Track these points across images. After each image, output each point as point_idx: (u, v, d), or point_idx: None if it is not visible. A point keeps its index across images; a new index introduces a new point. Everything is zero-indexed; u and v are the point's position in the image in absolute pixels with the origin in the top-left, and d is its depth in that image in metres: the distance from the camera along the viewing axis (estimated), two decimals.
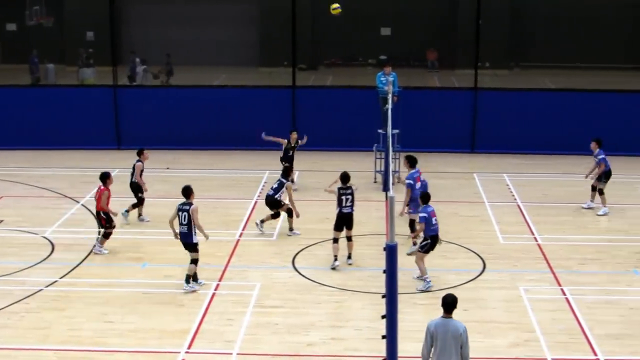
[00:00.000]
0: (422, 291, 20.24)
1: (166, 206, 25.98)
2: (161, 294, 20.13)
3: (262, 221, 24.28)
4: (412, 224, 22.71)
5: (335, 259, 21.47)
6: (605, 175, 26.08)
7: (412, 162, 23.35)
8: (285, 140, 28.10)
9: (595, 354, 17.31)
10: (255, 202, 27.27)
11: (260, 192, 28.26)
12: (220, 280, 20.94)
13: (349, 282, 20.79)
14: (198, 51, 50.99)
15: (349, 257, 21.82)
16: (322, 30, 51.78)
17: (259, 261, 22.24)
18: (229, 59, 50.71)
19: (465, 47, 44.23)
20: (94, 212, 23.48)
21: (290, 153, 28.04)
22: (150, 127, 33.92)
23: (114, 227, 22.87)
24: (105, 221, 22.65)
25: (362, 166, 30.00)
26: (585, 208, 26.42)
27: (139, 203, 25.25)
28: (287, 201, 24.04)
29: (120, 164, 31.42)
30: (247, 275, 21.31)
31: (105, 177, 23.00)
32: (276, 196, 23.83)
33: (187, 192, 20.45)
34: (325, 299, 19.93)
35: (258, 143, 32.58)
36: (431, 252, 20.62)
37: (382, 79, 29.17)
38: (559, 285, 20.77)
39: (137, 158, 25.36)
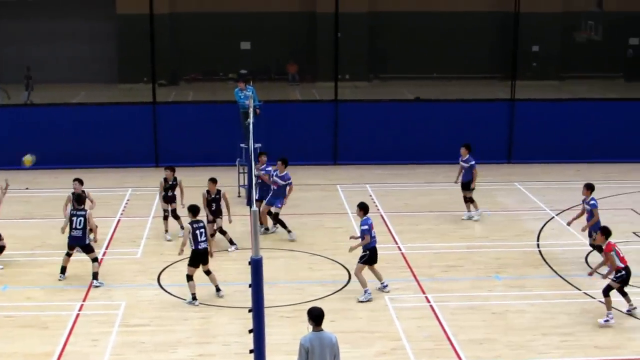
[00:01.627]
0: (362, 302, 20.35)
1: (27, 228, 25.50)
2: (24, 317, 19.69)
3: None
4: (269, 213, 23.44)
5: (194, 298, 20.35)
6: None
7: (285, 163, 24.60)
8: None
9: (460, 359, 17.64)
10: (119, 220, 26.94)
11: (123, 210, 27.95)
12: (84, 300, 20.60)
13: (215, 297, 20.69)
14: (56, 69, 50.11)
15: (218, 289, 20.77)
16: (181, 45, 51.52)
17: (123, 280, 21.97)
18: (87, 76, 49.98)
19: (325, 60, 44.59)
20: None
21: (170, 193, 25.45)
22: (7, 147, 33.15)
23: None
24: None
25: (225, 181, 29.86)
26: (465, 219, 26.76)
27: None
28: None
29: None
30: (111, 295, 21.01)
31: None
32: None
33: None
34: (192, 315, 19.80)
35: (119, 161, 32.35)
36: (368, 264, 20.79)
37: (240, 94, 29.15)
38: (423, 292, 21.07)
39: None
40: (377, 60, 52.51)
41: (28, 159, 24.50)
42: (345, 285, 21.49)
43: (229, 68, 52.12)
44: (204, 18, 51.19)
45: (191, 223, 20.40)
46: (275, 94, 40.47)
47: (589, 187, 23.03)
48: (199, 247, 20.30)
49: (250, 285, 12.99)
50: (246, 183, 28.49)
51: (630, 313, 19.60)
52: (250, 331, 13.25)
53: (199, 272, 20.43)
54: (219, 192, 24.17)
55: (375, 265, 20.90)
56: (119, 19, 50.77)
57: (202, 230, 20.37)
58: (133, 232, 25.79)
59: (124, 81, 49.59)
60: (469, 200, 26.75)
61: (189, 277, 20.32)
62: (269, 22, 51.26)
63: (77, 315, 19.76)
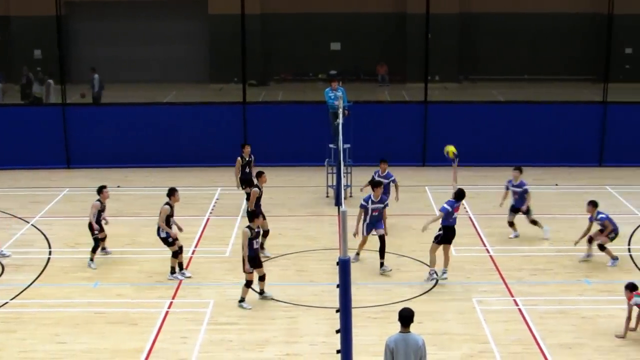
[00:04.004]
0: (427, 281, 21.13)
1: (119, 225, 25.86)
2: (114, 313, 19.97)
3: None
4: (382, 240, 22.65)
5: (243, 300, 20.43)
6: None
7: (374, 185, 23.22)
8: (239, 158, 27.26)
9: None
10: (208, 219, 27.18)
11: (212, 209, 28.20)
12: (173, 298, 20.83)
13: (302, 297, 20.77)
14: (148, 68, 50.83)
15: (261, 292, 20.70)
16: (271, 45, 51.83)
17: (212, 278, 22.15)
18: (179, 75, 50.59)
19: (415, 60, 44.47)
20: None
21: (247, 169, 27.19)
22: (100, 145, 33.71)
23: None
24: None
25: (313, 181, 30.08)
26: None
27: (96, 246, 23.18)
28: None
29: (70, 182, 31.32)
30: (200, 293, 21.21)
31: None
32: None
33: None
34: (280, 314, 19.89)
35: (209, 160, 32.70)
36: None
37: (330, 94, 29.21)
38: (512, 296, 20.90)
39: (97, 197, 23.36)
40: (467, 62, 52.22)
41: (451, 149, 24.37)
42: (433, 287, 21.38)
43: (319, 68, 52.27)
44: (294, 18, 51.45)
45: (249, 229, 20.12)
46: (364, 94, 40.48)
47: (592, 204, 23.23)
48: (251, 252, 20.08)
49: (338, 286, 13.00)
50: (334, 183, 28.51)
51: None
52: (337, 331, 13.25)
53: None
54: (250, 155, 26.29)
55: (452, 250, 21.36)
56: (210, 19, 51.25)
57: (259, 238, 20.35)
58: (222, 231, 25.98)
59: (215, 81, 50.03)
60: (532, 223, 25.26)
61: (248, 283, 20.32)
62: (359, 23, 51.32)
63: (167, 312, 19.98)
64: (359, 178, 28.06)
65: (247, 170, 26.98)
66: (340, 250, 12.97)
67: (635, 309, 18.55)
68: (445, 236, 21.24)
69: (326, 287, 21.05)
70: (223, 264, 23.08)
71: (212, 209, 28.32)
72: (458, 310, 20.02)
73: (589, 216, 23.11)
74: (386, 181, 25.10)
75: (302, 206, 28.54)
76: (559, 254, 23.87)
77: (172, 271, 22.05)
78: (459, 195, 21.55)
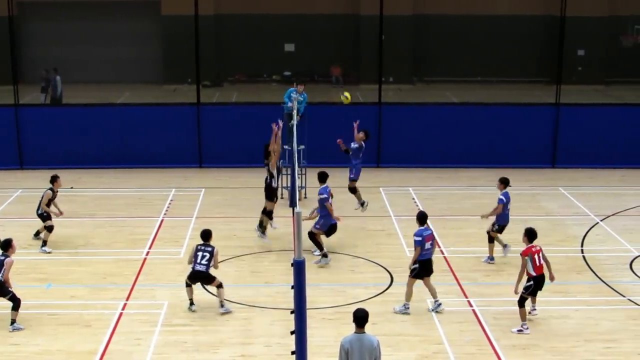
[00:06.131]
0: (396, 313, 19.94)
1: (72, 226, 25.72)
2: (67, 315, 19.82)
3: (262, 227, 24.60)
4: (311, 236, 22.91)
5: (192, 303, 20.12)
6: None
7: (322, 178, 23.54)
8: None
9: None
10: (162, 220, 27.08)
11: (166, 210, 28.09)
12: (127, 299, 20.72)
13: (257, 298, 20.74)
14: (101, 69, 50.58)
15: (221, 305, 20.11)
16: (225, 46, 51.76)
17: (166, 279, 22.07)
18: (132, 76, 50.37)
19: (369, 62, 44.59)
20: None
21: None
22: (53, 146, 33.45)
23: None
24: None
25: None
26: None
27: (49, 231, 24.08)
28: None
29: (23, 183, 31.07)
30: (154, 294, 21.12)
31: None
32: None
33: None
34: (234, 315, 19.84)
35: (163, 161, 32.57)
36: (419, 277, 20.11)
37: (292, 95, 28.93)
38: (466, 297, 21.00)
39: (50, 186, 24.33)
40: (421, 63, 52.45)
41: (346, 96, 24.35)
42: (387, 289, 21.45)
43: (273, 69, 52.30)
44: (248, 19, 51.47)
45: (197, 245, 20.07)
46: (318, 96, 40.49)
47: (503, 182, 23.43)
48: (196, 268, 19.82)
49: (292, 287, 13.00)
50: (289, 185, 28.50)
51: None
52: (292, 332, 13.26)
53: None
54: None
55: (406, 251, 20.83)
56: (163, 20, 51.07)
57: (207, 254, 19.83)
58: (176, 232, 25.89)
59: (168, 82, 49.90)
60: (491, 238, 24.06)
61: (187, 284, 20.11)
62: (313, 24, 51.43)
63: (121, 314, 19.88)
64: (314, 179, 28.03)
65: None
66: (295, 252, 12.97)
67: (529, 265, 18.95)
68: (423, 269, 20.05)
69: (281, 289, 21.04)
70: (177, 265, 22.96)
71: (167, 210, 28.21)
72: (412, 311, 20.03)
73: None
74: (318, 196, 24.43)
75: (257, 207, 28.44)
76: (513, 255, 23.95)
77: (43, 244, 23.96)
78: (421, 218, 20.38)
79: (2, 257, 19.18)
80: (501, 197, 23.29)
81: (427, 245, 19.92)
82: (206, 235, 20.27)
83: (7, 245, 19.44)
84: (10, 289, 19.15)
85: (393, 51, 44.42)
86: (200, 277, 19.91)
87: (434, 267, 20.45)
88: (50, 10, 50.83)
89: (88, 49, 50.81)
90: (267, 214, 24.49)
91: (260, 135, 32.71)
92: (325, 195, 23.05)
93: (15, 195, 29.87)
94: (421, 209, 28.04)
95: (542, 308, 20.13)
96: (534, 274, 18.99)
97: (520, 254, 19.23)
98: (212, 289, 20.36)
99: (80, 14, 50.81)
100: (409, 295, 20.10)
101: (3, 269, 19.02)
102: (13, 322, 19.07)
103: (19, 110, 33.99)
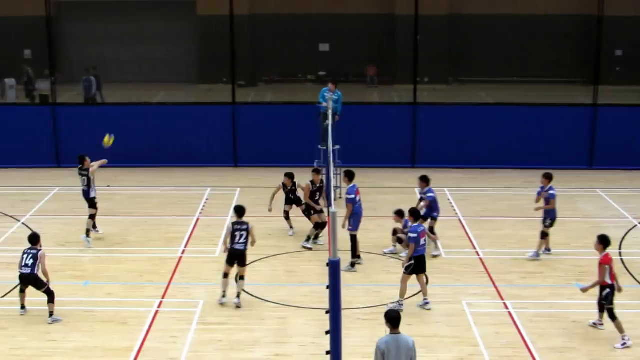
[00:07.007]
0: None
1: (109, 224, 25.85)
2: (103, 312, 19.92)
3: (308, 238, 24.65)
4: (353, 240, 22.77)
5: (224, 295, 20.36)
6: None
7: (350, 177, 23.47)
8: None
9: None
10: (197, 219, 27.14)
11: (202, 209, 28.16)
12: (163, 297, 20.80)
13: (292, 298, 20.75)
14: (138, 69, 50.77)
15: (238, 295, 20.35)
16: (260, 46, 51.79)
17: (202, 278, 22.12)
18: (168, 76, 50.51)
19: (404, 62, 44.45)
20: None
21: (318, 196, 25.44)
22: (89, 145, 33.52)
23: None
24: None
25: (303, 182, 29.94)
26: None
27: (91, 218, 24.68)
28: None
29: (60, 182, 31.22)
30: (190, 293, 21.19)
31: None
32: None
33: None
34: (269, 315, 19.87)
35: (198, 160, 32.64)
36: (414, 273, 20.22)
37: (326, 94, 28.92)
38: (502, 299, 20.89)
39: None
40: (457, 63, 52.24)
41: (107, 140, 25.10)
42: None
43: (308, 70, 52.25)
44: (283, 19, 51.40)
45: (233, 224, 20.32)
46: (353, 96, 40.41)
47: (548, 177, 23.38)
48: (235, 247, 20.09)
49: (327, 287, 12.98)
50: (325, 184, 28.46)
51: (594, 325, 19.24)
52: (327, 332, 13.23)
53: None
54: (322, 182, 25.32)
55: (442, 253, 20.77)
56: (199, 20, 51.18)
57: (244, 232, 20.12)
58: (212, 231, 25.94)
59: (204, 82, 49.97)
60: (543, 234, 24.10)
61: (224, 275, 20.28)
62: (348, 24, 51.26)
63: (156, 312, 19.95)
64: None
65: (317, 197, 25.38)
66: (330, 252, 12.95)
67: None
68: (418, 266, 20.20)
69: (316, 288, 21.03)
70: (213, 264, 23.01)
71: (202, 209, 28.27)
72: (448, 312, 20.00)
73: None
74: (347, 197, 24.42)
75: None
76: (550, 257, 23.85)
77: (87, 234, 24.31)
78: (415, 215, 20.65)
79: (35, 251, 19.37)
80: (552, 192, 23.24)
81: (422, 241, 20.12)
82: (241, 211, 20.46)
83: (36, 239, 19.68)
84: (46, 281, 19.29)
85: (428, 51, 44.24)
86: (237, 255, 20.06)
87: (435, 267, 20.42)
88: (88, 10, 51.04)
89: (124, 48, 51.02)
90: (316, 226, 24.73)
91: (294, 134, 32.90)
92: (353, 196, 22.92)
93: (52, 194, 30.04)
94: (456, 210, 27.98)
95: (579, 311, 20.02)
96: (609, 282, 18.60)
97: (600, 262, 18.72)
98: (250, 287, 20.39)
99: (117, 14, 50.97)
100: (403, 292, 20.17)
101: (38, 262, 19.21)
102: (51, 314, 19.27)
103: (56, 109, 34.21)
